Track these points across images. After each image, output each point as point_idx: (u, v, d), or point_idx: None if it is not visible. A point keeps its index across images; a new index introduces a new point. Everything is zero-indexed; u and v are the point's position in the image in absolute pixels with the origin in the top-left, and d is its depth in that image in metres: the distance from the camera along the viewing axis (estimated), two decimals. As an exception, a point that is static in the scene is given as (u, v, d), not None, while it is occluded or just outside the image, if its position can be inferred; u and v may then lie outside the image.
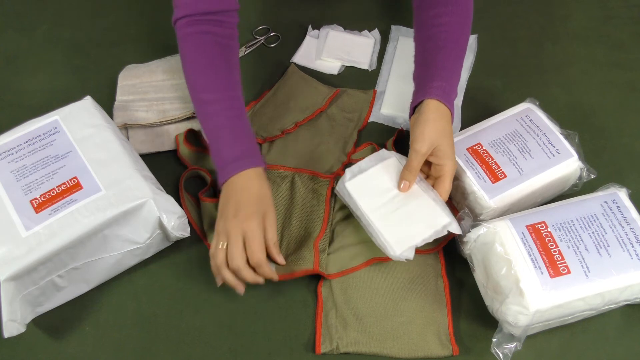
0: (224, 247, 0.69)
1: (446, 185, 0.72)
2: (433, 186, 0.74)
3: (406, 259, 0.70)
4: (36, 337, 0.72)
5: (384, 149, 0.79)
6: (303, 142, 0.88)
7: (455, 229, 0.71)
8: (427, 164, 0.75)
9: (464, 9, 0.80)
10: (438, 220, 0.71)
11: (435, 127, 0.71)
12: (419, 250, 0.73)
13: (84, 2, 1.09)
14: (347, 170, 0.77)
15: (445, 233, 0.71)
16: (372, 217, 0.72)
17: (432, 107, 0.72)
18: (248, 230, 0.68)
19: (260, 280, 0.69)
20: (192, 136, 0.88)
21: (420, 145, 0.71)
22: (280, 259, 0.71)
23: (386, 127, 0.91)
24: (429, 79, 0.75)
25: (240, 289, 0.70)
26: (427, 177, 0.76)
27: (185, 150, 0.85)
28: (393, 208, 0.72)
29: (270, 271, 0.69)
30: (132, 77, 0.91)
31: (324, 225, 0.78)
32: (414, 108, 0.76)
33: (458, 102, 0.93)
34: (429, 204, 0.72)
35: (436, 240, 0.76)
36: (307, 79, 0.96)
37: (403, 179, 0.73)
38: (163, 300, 0.75)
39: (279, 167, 0.84)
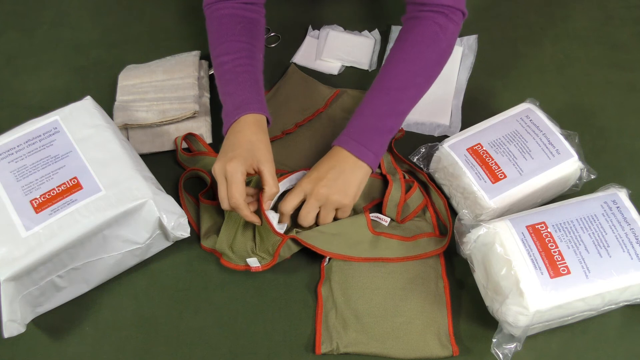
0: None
1: (292, 200, 0.73)
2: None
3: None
4: (36, 337, 0.72)
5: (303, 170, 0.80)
6: (303, 142, 0.88)
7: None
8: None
9: (427, 55, 0.78)
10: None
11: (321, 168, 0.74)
12: (419, 254, 0.76)
13: (84, 2, 1.09)
14: None
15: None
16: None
17: (333, 153, 0.76)
18: (228, 171, 0.69)
19: (255, 220, 0.71)
20: (190, 141, 0.87)
21: (306, 183, 0.74)
22: (265, 206, 0.72)
23: (386, 127, 0.91)
24: (349, 123, 0.77)
25: (256, 221, 0.72)
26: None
27: (183, 157, 0.86)
28: None
29: (251, 214, 0.71)
30: (132, 78, 0.91)
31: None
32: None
33: (458, 102, 0.93)
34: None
35: (436, 242, 0.77)
36: (307, 79, 0.96)
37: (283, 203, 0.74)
38: (163, 300, 0.75)
39: (278, 168, 0.83)
